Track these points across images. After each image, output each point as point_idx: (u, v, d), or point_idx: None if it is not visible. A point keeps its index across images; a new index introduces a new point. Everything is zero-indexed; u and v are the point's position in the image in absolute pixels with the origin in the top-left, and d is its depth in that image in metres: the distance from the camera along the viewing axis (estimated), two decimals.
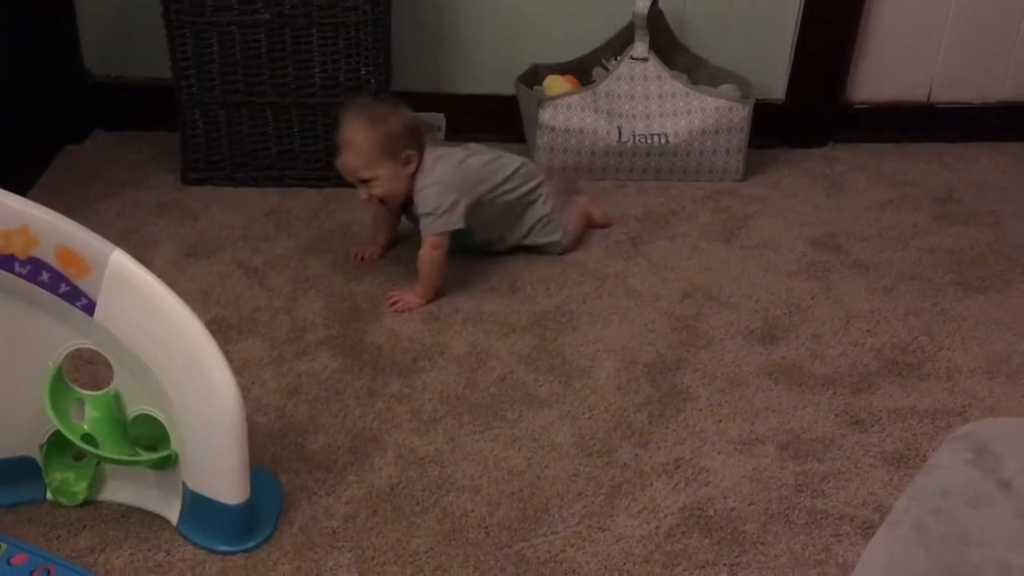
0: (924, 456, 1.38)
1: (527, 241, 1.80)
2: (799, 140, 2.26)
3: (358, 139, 1.63)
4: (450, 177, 1.67)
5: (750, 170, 2.12)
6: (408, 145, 1.65)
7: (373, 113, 1.66)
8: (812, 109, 2.25)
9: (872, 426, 1.45)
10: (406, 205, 1.71)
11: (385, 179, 1.65)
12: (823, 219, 1.99)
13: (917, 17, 2.20)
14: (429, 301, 1.67)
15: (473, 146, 1.78)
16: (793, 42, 2.19)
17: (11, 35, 1.90)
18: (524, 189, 1.77)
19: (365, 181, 1.65)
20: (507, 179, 1.74)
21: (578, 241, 1.85)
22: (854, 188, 2.12)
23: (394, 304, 1.65)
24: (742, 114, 2.06)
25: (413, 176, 1.67)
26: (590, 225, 1.90)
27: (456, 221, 1.66)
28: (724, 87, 2.11)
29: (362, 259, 1.78)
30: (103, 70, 2.13)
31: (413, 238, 1.74)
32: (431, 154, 1.68)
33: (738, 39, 2.18)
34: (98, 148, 2.11)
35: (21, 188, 1.13)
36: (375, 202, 1.70)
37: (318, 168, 2.00)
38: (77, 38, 2.09)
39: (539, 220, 1.79)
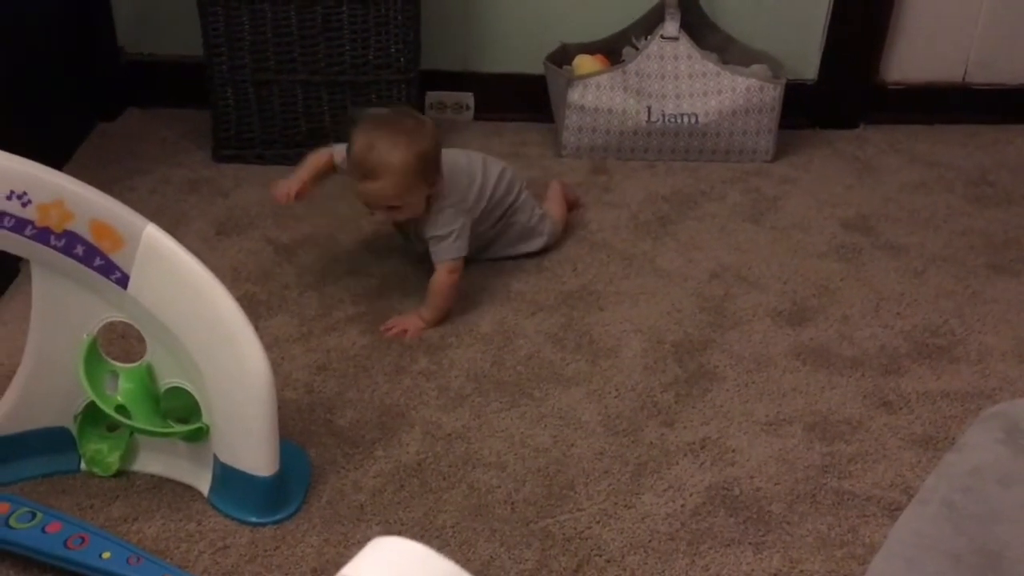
0: (953, 439, 1.37)
1: (511, 252, 1.71)
2: (831, 121, 2.24)
3: (397, 162, 1.45)
4: (460, 199, 1.57)
5: (781, 151, 2.10)
6: (439, 164, 1.53)
7: (406, 129, 1.48)
8: (844, 89, 2.23)
9: (901, 408, 1.44)
10: (403, 225, 1.61)
11: (415, 204, 1.51)
12: (854, 200, 1.97)
13: None
14: (433, 326, 1.55)
15: (460, 152, 1.67)
16: (826, 21, 2.16)
17: (45, 13, 1.92)
18: (509, 199, 1.67)
19: (394, 208, 1.52)
20: (496, 191, 1.64)
21: (564, 230, 1.78)
22: (886, 169, 2.09)
23: (391, 330, 1.53)
24: (773, 94, 2.04)
25: (434, 196, 1.54)
26: (570, 207, 1.84)
27: (464, 247, 1.56)
28: (755, 67, 2.09)
29: (284, 194, 1.56)
30: (136, 48, 2.15)
31: (404, 251, 1.69)
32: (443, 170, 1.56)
33: (770, 18, 2.16)
34: (130, 125, 2.13)
35: (56, 164, 1.14)
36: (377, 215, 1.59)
37: None
38: (111, 16, 2.11)
39: (522, 229, 1.69)
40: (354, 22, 1.89)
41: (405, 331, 1.53)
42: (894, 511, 1.26)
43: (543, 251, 1.73)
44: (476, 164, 1.64)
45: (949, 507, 0.79)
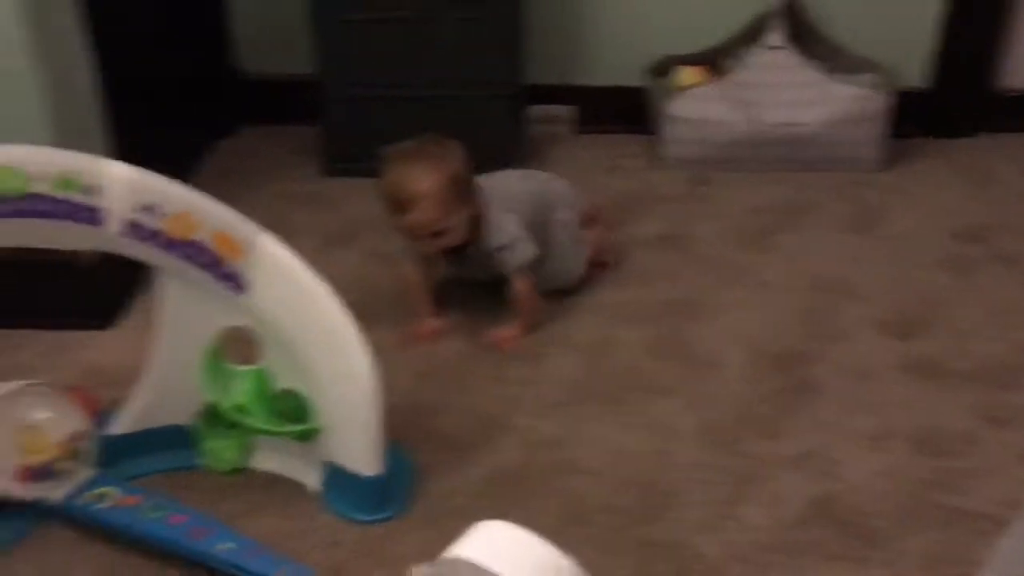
0: None
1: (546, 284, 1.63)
2: (944, 129, 2.17)
3: (430, 187, 1.44)
4: (507, 203, 1.55)
5: (890, 160, 2.06)
6: (472, 183, 1.51)
7: (431, 155, 1.48)
8: (958, 97, 2.16)
9: (1013, 423, 1.39)
10: (455, 250, 1.55)
11: (459, 227, 1.49)
12: (967, 211, 1.91)
13: None
14: (528, 334, 1.56)
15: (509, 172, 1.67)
16: (938, 26, 2.11)
17: (167, 36, 2.04)
18: (551, 210, 1.63)
19: (438, 234, 1.49)
20: (541, 202, 1.62)
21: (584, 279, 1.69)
22: (1002, 180, 2.02)
23: (501, 343, 1.55)
24: (880, 103, 2.00)
25: (477, 215, 1.52)
26: (596, 264, 1.72)
27: (531, 246, 1.54)
28: (863, 75, 2.06)
29: (423, 338, 1.58)
30: (253, 67, 2.25)
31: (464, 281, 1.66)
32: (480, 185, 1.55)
33: (879, 25, 2.11)
34: (247, 142, 2.23)
35: (179, 178, 1.21)
36: (420, 261, 1.57)
37: None
38: (230, 37, 2.22)
39: (561, 254, 1.63)
40: (459, 39, 1.95)
41: (501, 343, 1.55)
42: (1005, 528, 1.22)
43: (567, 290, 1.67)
44: (514, 175, 1.65)
45: None
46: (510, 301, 1.56)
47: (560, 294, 1.67)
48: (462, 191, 1.48)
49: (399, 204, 1.47)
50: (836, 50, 2.11)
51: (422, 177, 1.45)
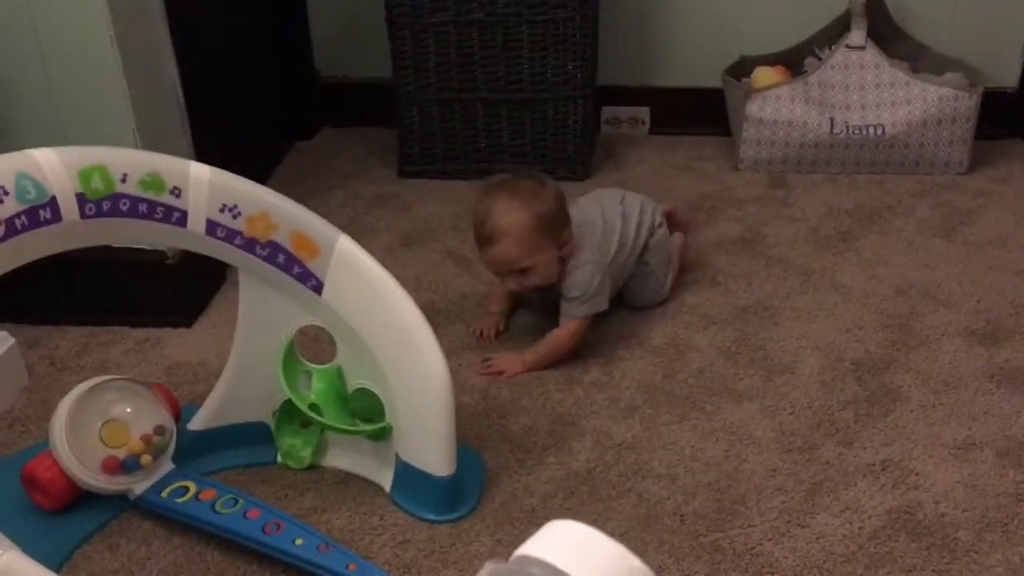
0: None
1: (638, 302, 1.63)
2: None
3: (513, 224, 1.42)
4: (598, 255, 1.51)
5: (977, 162, 1.99)
6: (566, 224, 1.48)
7: (522, 191, 1.45)
8: None
9: None
10: (537, 289, 1.52)
11: (544, 266, 1.46)
12: None
13: None
14: (532, 371, 1.49)
15: (594, 201, 1.61)
16: None
17: (251, 40, 2.09)
18: (641, 240, 1.60)
19: (522, 271, 1.46)
20: (637, 235, 1.59)
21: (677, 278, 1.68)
22: None
23: (489, 370, 1.50)
24: (968, 103, 1.94)
25: (567, 257, 1.49)
26: (683, 230, 1.75)
27: (604, 301, 1.51)
28: (949, 75, 2.00)
29: (485, 336, 1.58)
30: (331, 71, 2.30)
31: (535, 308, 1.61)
32: (574, 227, 1.51)
33: (966, 23, 2.05)
34: (324, 144, 2.27)
35: (259, 179, 1.24)
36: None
37: (524, 161, 2.06)
38: (309, 41, 2.26)
39: (645, 276, 1.62)
40: (533, 41, 1.95)
41: (502, 372, 1.49)
42: None
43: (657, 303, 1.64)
44: (613, 210, 1.58)
45: None
46: (546, 338, 1.51)
47: None
48: (549, 232, 1.45)
49: (483, 238, 1.46)
50: (920, 49, 2.06)
51: (507, 213, 1.43)
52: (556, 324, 1.52)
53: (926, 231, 1.82)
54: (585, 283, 1.49)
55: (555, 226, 1.46)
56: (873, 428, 1.38)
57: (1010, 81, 2.09)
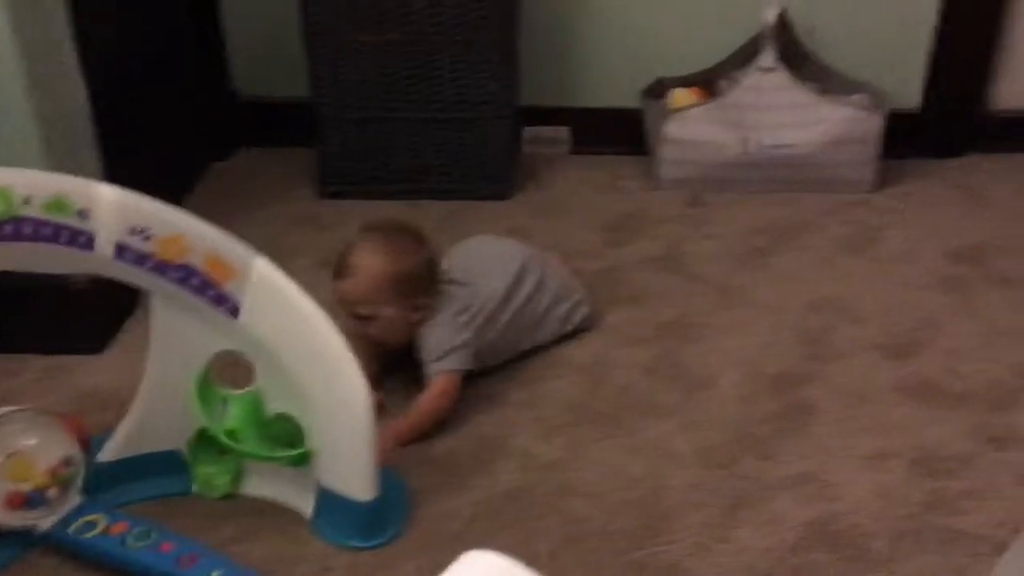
0: None
1: (552, 337, 1.59)
2: (936, 150, 2.18)
3: (369, 267, 1.40)
4: (454, 319, 1.45)
5: (883, 181, 2.06)
6: (425, 292, 1.44)
7: (395, 242, 1.43)
8: (950, 118, 2.17)
9: (1012, 445, 1.39)
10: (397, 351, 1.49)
11: (387, 321, 1.41)
12: (961, 231, 1.92)
13: None
14: (405, 445, 1.38)
15: (470, 250, 1.57)
16: (929, 48, 2.12)
17: (166, 57, 2.04)
18: (529, 290, 1.54)
19: (364, 317, 1.43)
20: (515, 292, 1.52)
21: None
22: (996, 200, 2.03)
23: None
24: (873, 124, 2.01)
25: (417, 323, 1.45)
26: None
27: (465, 362, 1.44)
28: (855, 96, 2.06)
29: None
30: (249, 89, 2.26)
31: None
32: (439, 295, 1.46)
33: (870, 47, 2.12)
34: (242, 164, 2.23)
35: (174, 200, 1.21)
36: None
37: (446, 181, 2.06)
38: (226, 60, 2.22)
39: (555, 316, 1.58)
40: (454, 60, 1.95)
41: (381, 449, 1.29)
42: (1002, 550, 1.21)
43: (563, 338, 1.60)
44: (493, 277, 1.52)
45: None
46: (414, 405, 1.41)
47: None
48: (402, 290, 1.41)
49: (338, 268, 1.43)
50: (828, 71, 2.12)
51: (370, 255, 1.41)
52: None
53: (837, 248, 1.87)
54: (436, 346, 1.43)
55: (411, 288, 1.42)
56: (791, 441, 1.41)
57: (913, 102, 2.17)
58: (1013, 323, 1.64)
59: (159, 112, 1.99)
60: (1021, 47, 2.12)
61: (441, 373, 1.43)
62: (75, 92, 1.57)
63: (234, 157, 2.25)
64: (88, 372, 1.55)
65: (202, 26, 2.15)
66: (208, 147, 2.22)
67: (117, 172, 1.50)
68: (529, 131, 2.25)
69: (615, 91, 2.21)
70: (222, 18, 2.19)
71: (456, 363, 1.44)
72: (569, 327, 1.61)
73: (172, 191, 1.78)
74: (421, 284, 1.44)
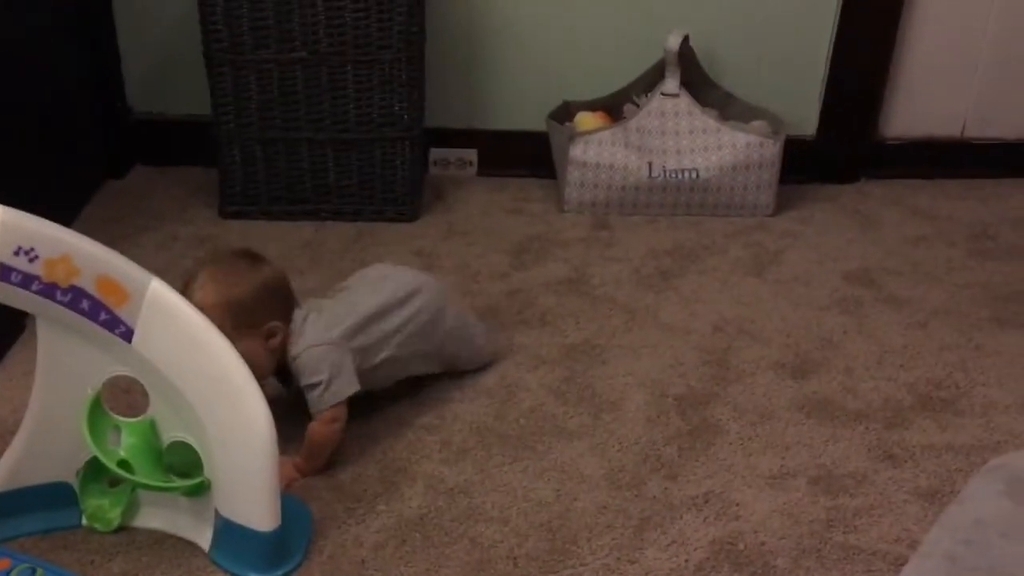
0: (958, 492, 1.36)
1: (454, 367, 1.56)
2: (831, 175, 2.26)
3: (201, 302, 1.26)
4: (326, 335, 1.37)
5: (781, 205, 2.12)
6: (270, 314, 1.35)
7: (225, 272, 1.34)
8: (844, 144, 2.25)
9: (906, 461, 1.43)
10: (279, 373, 1.40)
11: (246, 354, 1.21)
12: (855, 254, 1.98)
13: (950, 53, 2.20)
14: (311, 475, 1.37)
15: (354, 281, 1.49)
16: (824, 78, 2.20)
17: (57, 72, 1.96)
18: (425, 316, 1.48)
19: None
20: (396, 310, 1.45)
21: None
22: (887, 223, 2.11)
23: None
24: (773, 150, 2.06)
25: (282, 347, 1.37)
26: None
27: (351, 383, 1.37)
28: (755, 123, 2.12)
29: None
30: (145, 107, 2.19)
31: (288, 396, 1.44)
32: (300, 313, 1.38)
33: (769, 75, 2.19)
34: (138, 183, 2.16)
35: (63, 220, 1.15)
36: None
37: (352, 202, 2.03)
38: (121, 75, 2.15)
39: (456, 356, 1.54)
40: (359, 81, 1.93)
41: (286, 484, 1.32)
42: (900, 565, 1.24)
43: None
44: (361, 288, 1.47)
45: (951, 560, 0.79)
46: (306, 437, 1.36)
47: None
48: (241, 320, 1.31)
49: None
50: (729, 98, 2.18)
51: (200, 290, 1.31)
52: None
53: (739, 270, 1.92)
54: (316, 368, 1.35)
55: (251, 315, 1.32)
56: (696, 461, 1.42)
57: (809, 129, 2.24)
58: (904, 342, 1.70)
59: (49, 128, 1.91)
60: (910, 77, 2.22)
61: (319, 414, 1.36)
62: None
63: (129, 175, 2.17)
64: None
65: (96, 41, 2.08)
66: (101, 165, 2.14)
67: (4, 188, 1.43)
68: (436, 152, 2.24)
69: (522, 114, 2.22)
70: (117, 34, 2.13)
71: (340, 393, 1.36)
72: (468, 365, 1.57)
73: (63, 209, 1.72)
74: (262, 308, 1.34)
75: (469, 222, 2.07)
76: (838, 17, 2.14)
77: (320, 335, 1.37)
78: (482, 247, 1.97)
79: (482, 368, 1.60)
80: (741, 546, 1.28)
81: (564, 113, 2.18)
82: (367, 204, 2.03)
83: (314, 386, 1.36)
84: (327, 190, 2.03)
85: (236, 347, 1.18)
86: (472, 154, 2.26)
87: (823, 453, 1.44)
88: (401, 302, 1.46)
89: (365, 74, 1.92)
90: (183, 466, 1.23)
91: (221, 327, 1.18)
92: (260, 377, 1.26)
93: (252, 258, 1.39)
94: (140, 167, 2.19)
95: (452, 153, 2.25)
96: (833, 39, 2.16)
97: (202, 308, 1.19)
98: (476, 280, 1.86)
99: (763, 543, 1.28)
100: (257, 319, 1.34)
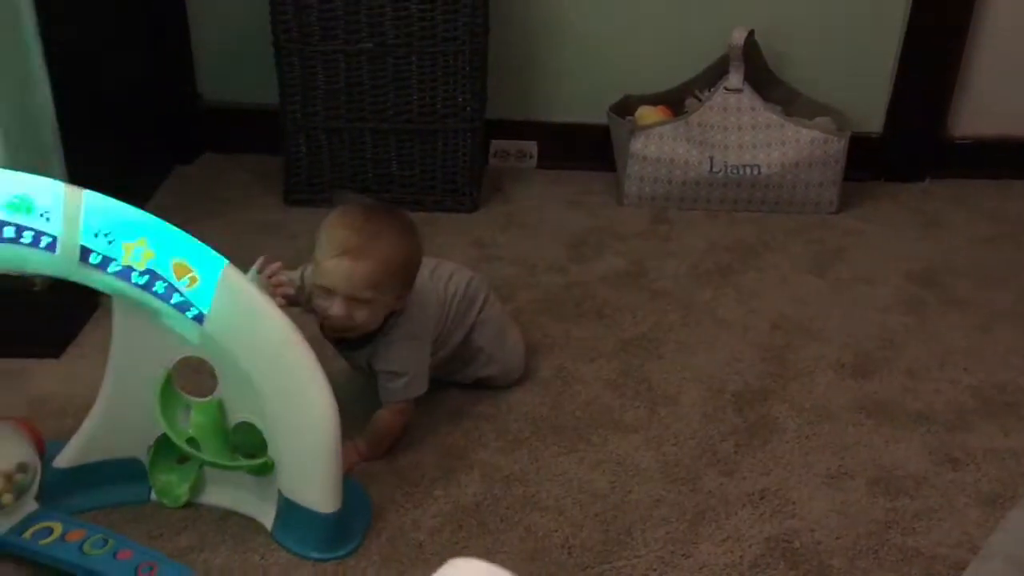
0: (1021, 497, 1.34)
1: (471, 378, 1.52)
2: (896, 174, 2.22)
3: (385, 249, 1.28)
4: (422, 328, 1.38)
5: (845, 203, 2.10)
6: (410, 284, 1.35)
7: (401, 223, 1.32)
8: (910, 142, 2.22)
9: (967, 465, 1.41)
10: (351, 340, 1.38)
11: (377, 307, 1.29)
12: (919, 254, 1.95)
13: (1023, 49, 2.15)
14: (371, 460, 1.38)
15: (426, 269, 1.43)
16: (892, 74, 2.16)
17: (131, 61, 2.02)
18: (470, 319, 1.47)
19: (356, 300, 1.29)
20: (458, 312, 1.45)
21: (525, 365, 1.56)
22: (953, 224, 2.07)
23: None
24: (837, 146, 2.04)
25: (391, 315, 1.35)
26: None
27: (425, 382, 1.39)
28: (819, 119, 2.10)
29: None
30: (214, 95, 2.24)
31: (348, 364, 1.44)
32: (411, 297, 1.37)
33: (835, 71, 2.16)
34: (207, 169, 2.21)
35: (136, 204, 1.19)
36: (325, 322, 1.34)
37: (413, 192, 2.06)
38: (192, 64, 2.20)
39: (479, 350, 1.49)
40: (423, 72, 1.95)
41: (347, 467, 1.32)
42: (959, 569, 1.23)
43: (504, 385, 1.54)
44: (442, 289, 1.44)
45: (1013, 563, 0.78)
46: (372, 423, 1.38)
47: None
48: (404, 277, 1.32)
49: (345, 247, 1.28)
50: (793, 94, 2.15)
51: (387, 233, 1.29)
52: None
53: (799, 268, 1.90)
54: (404, 361, 1.36)
55: (408, 277, 1.33)
56: (752, 458, 1.42)
57: (875, 126, 2.21)
58: (968, 344, 1.68)
59: (124, 115, 1.97)
60: (980, 75, 2.18)
61: (390, 405, 1.39)
62: (40, 91, 1.54)
63: (198, 162, 2.22)
64: (44, 377, 1.52)
65: (168, 30, 2.13)
66: (172, 151, 2.19)
67: (81, 174, 1.48)
68: (496, 144, 2.26)
69: (583, 107, 2.22)
70: (190, 23, 2.17)
71: (417, 390, 1.39)
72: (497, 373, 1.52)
73: (136, 193, 1.76)
74: (412, 275, 1.34)
75: (528, 214, 2.08)
76: (909, 12, 2.10)
77: (419, 330, 1.38)
78: (540, 239, 1.98)
79: (538, 358, 1.61)
80: (797, 544, 1.28)
81: (625, 106, 2.17)
82: (428, 194, 2.06)
83: (397, 375, 1.37)
84: (389, 179, 2.05)
85: (381, 298, 1.26)
86: (532, 146, 2.27)
87: (883, 454, 1.43)
88: (462, 301, 1.46)
89: (429, 66, 1.94)
90: (248, 446, 1.26)
91: (391, 277, 1.26)
92: (363, 331, 1.33)
93: (407, 215, 1.37)
94: (209, 154, 2.25)
95: (512, 145, 2.27)
96: (903, 35, 2.12)
97: (383, 255, 1.25)
98: (533, 272, 1.87)
99: (819, 542, 1.28)
100: (405, 284, 1.33)
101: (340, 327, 1.33)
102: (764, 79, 2.12)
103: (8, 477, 1.17)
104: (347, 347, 1.41)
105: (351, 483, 1.29)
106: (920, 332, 1.71)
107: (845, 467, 1.41)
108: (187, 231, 1.19)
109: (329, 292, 1.30)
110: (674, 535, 1.28)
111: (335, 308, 1.30)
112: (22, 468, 1.19)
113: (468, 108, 1.99)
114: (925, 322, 1.74)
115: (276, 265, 1.30)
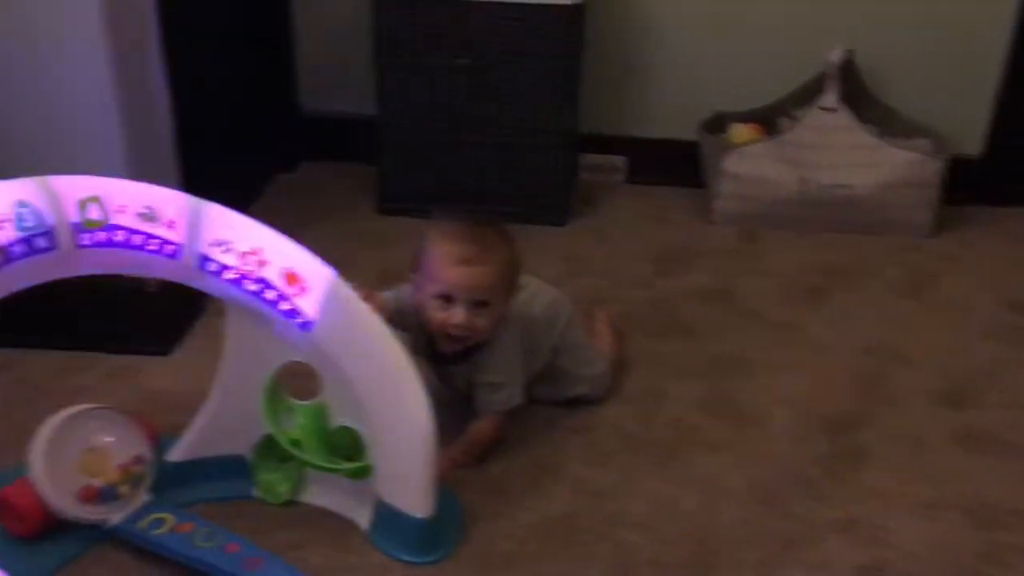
0: None
1: (561, 397, 1.54)
2: (997, 198, 2.18)
3: (502, 253, 1.35)
4: (516, 342, 1.42)
5: (942, 226, 2.06)
6: (517, 289, 1.40)
7: (507, 234, 1.39)
8: (1013, 166, 2.17)
9: None
10: (456, 354, 1.41)
11: (498, 309, 1.35)
12: (1019, 281, 1.91)
13: None
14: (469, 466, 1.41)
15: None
16: (994, 96, 2.12)
17: (235, 72, 2.10)
18: (552, 338, 1.49)
19: (481, 304, 1.34)
20: (539, 331, 1.47)
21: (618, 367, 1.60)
22: None
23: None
24: (934, 168, 2.01)
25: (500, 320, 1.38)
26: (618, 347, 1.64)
27: (523, 393, 1.44)
28: (916, 140, 2.07)
29: None
30: (314, 105, 2.31)
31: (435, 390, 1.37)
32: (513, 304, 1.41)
33: (934, 91, 2.13)
34: (305, 178, 2.28)
35: (239, 211, 1.25)
36: (441, 332, 1.37)
37: (504, 205, 2.08)
38: (295, 75, 2.28)
39: (564, 373, 1.52)
40: (519, 88, 1.99)
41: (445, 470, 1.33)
42: None
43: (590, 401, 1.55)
44: (534, 299, 1.48)
45: None
46: (468, 433, 1.42)
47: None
48: (512, 282, 1.38)
49: (467, 256, 1.33)
50: (890, 114, 2.13)
51: (501, 240, 1.37)
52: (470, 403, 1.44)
53: (893, 291, 1.88)
54: (506, 371, 1.41)
55: (513, 284, 1.39)
56: (842, 484, 1.41)
57: (975, 149, 2.17)
58: None
59: (231, 124, 2.05)
60: None
61: (489, 416, 1.43)
62: (159, 104, 1.63)
63: (298, 170, 2.30)
64: (154, 373, 1.59)
65: (272, 41, 2.21)
66: (273, 159, 2.27)
67: (193, 183, 1.55)
68: (586, 158, 2.28)
69: (673, 123, 2.23)
70: (293, 35, 2.25)
71: (515, 401, 1.43)
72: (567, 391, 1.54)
73: (240, 201, 1.83)
74: (517, 282, 1.40)
75: (616, 228, 2.10)
76: (1013, 34, 2.06)
77: (515, 340, 1.42)
78: (628, 254, 2.00)
79: (626, 374, 1.62)
80: (889, 574, 1.26)
81: (716, 123, 2.17)
82: (519, 207, 2.08)
83: (499, 386, 1.41)
84: (482, 192, 2.09)
85: (500, 301, 1.34)
86: (622, 161, 2.28)
87: (980, 486, 1.41)
88: (548, 322, 1.49)
89: (525, 81, 1.98)
90: (348, 450, 1.30)
91: (507, 279, 1.34)
92: (482, 336, 1.38)
93: (500, 223, 1.43)
94: (308, 163, 2.31)
95: (602, 159, 2.29)
96: (1008, 56, 2.08)
97: (501, 259, 1.33)
98: (620, 286, 1.88)
99: (912, 573, 1.27)
100: (515, 287, 1.39)
101: (460, 335, 1.37)
102: (860, 99, 2.10)
103: (126, 469, 1.24)
104: (447, 362, 1.44)
105: (444, 491, 1.32)
106: (1018, 362, 1.67)
107: (939, 497, 1.39)
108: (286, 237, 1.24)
109: (449, 301, 1.35)
110: (764, 558, 1.28)
111: (458, 315, 1.35)
112: (139, 461, 1.25)
113: (562, 124, 2.02)
114: (1023, 352, 1.70)
115: (365, 291, 1.32)
